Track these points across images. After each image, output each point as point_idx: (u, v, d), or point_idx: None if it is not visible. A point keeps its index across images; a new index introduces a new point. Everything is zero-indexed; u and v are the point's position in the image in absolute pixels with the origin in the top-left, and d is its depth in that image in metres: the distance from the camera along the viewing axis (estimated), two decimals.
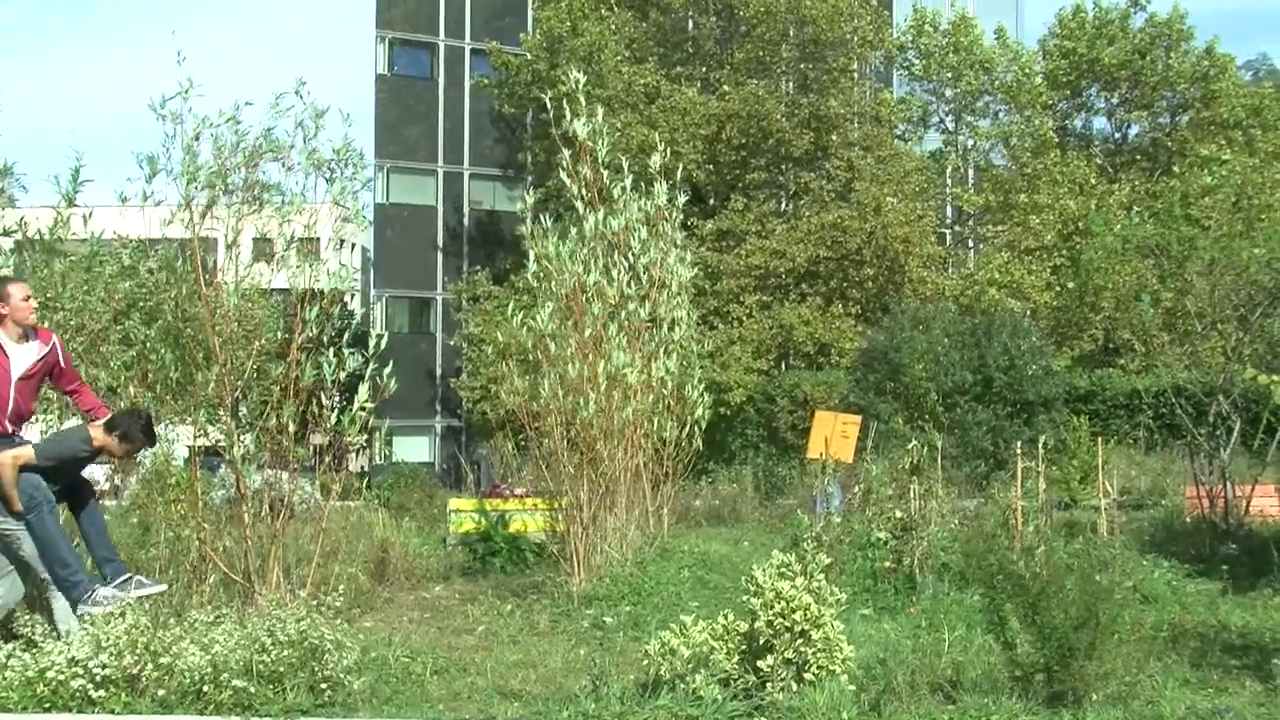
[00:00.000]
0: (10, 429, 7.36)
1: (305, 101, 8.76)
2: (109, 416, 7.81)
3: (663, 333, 12.49)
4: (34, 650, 6.29)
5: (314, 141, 8.81)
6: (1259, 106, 39.88)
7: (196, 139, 8.53)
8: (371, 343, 9.14)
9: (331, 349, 8.80)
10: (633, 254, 11.97)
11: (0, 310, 7.35)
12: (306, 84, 8.74)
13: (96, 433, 7.63)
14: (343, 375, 8.65)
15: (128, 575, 7.37)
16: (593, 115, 11.68)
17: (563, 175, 11.64)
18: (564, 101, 11.75)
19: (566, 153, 11.65)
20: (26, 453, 7.30)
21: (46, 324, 8.72)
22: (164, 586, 7.89)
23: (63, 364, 7.73)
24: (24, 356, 7.44)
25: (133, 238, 9.75)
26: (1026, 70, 38.72)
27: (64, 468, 7.52)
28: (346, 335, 9.79)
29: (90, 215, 9.46)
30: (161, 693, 6.08)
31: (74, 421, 8.60)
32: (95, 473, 10.50)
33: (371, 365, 8.83)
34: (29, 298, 7.48)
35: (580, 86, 11.83)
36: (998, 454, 21.21)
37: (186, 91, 8.49)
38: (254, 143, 8.73)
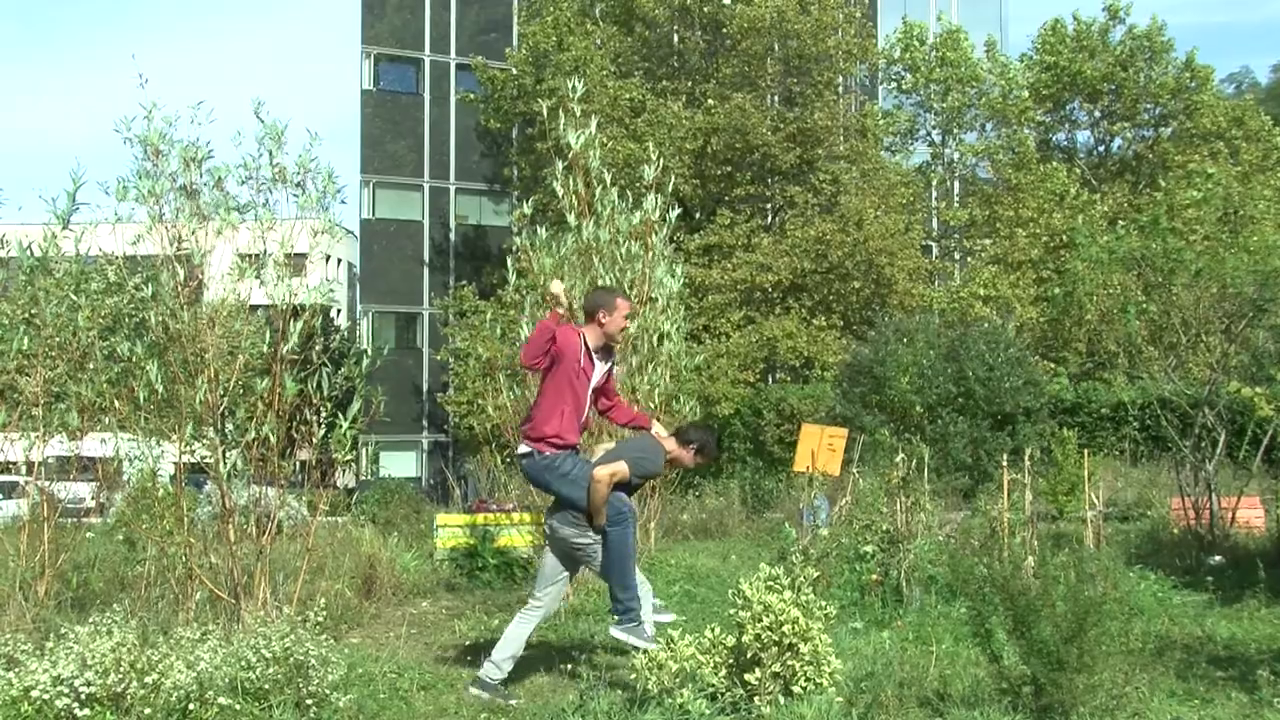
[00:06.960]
0: (575, 441, 7.32)
1: (264, 121, 8.78)
2: (680, 429, 7.75)
3: (651, 345, 12.47)
4: (17, 669, 6.23)
5: (279, 156, 8.82)
6: (1241, 117, 40.17)
7: (170, 162, 8.56)
8: (365, 361, 9.12)
9: (321, 364, 8.77)
10: (618, 268, 11.94)
11: (602, 319, 7.30)
12: (264, 104, 8.79)
13: (670, 444, 7.54)
14: (326, 391, 8.61)
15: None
16: (586, 126, 11.64)
17: (556, 186, 11.59)
18: (559, 111, 11.72)
19: (559, 164, 11.60)
20: (622, 469, 7.17)
21: (28, 341, 8.70)
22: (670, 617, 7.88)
23: (612, 379, 7.73)
24: (600, 369, 7.43)
25: (118, 255, 9.72)
26: (1013, 84, 38.92)
27: (637, 482, 7.51)
28: (335, 349, 9.76)
29: (80, 236, 9.40)
30: (147, 710, 6.03)
31: None
32: (80, 490, 10.46)
33: (362, 385, 8.81)
34: (630, 317, 7.44)
35: (576, 96, 11.82)
36: (979, 466, 21.24)
37: (150, 114, 8.52)
38: (214, 164, 8.74)
